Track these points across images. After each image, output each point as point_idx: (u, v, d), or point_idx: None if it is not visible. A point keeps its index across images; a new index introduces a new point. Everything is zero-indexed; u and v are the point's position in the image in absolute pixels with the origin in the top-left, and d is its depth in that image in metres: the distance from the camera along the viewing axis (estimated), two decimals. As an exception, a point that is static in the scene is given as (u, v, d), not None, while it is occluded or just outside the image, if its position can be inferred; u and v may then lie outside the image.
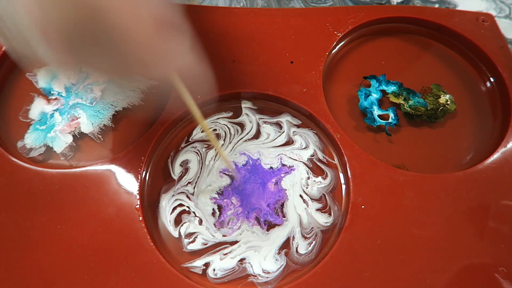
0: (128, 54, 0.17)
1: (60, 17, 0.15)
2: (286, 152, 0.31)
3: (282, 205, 0.28)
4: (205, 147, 0.31)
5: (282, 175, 0.30)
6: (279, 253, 0.27)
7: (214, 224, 0.27)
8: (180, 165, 0.30)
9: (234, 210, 0.28)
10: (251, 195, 0.29)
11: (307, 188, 0.29)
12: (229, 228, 0.27)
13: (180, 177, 0.30)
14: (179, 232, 0.27)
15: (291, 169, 0.30)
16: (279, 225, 0.28)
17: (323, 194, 0.29)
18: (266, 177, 0.29)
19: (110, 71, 0.20)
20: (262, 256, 0.26)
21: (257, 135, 0.31)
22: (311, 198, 0.29)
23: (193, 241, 0.27)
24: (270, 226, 0.28)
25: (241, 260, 0.26)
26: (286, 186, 0.29)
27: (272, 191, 0.29)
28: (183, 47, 0.19)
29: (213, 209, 0.28)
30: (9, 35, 0.18)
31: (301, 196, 0.29)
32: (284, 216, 0.28)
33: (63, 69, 0.19)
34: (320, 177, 0.30)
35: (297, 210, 0.28)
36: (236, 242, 0.27)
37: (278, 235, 0.27)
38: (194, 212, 0.28)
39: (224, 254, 0.26)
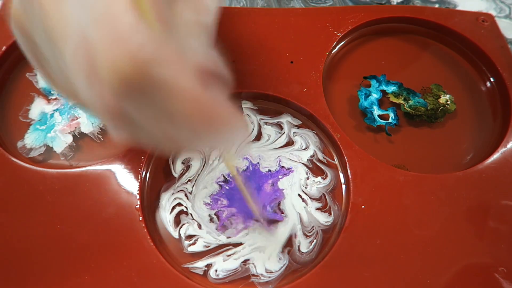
0: (176, 112, 0.16)
1: (108, 66, 0.14)
2: (286, 153, 0.31)
3: (279, 203, 0.28)
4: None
5: (280, 176, 0.30)
6: (282, 251, 0.27)
7: (217, 229, 0.27)
8: (182, 162, 0.30)
9: (228, 211, 0.28)
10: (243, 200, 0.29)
11: (306, 188, 0.29)
12: (234, 228, 0.27)
13: (181, 175, 0.29)
14: (179, 233, 0.27)
15: (289, 171, 0.30)
16: (280, 221, 0.28)
17: (323, 194, 0.29)
18: (262, 180, 0.29)
19: (162, 135, 0.18)
20: (267, 256, 0.26)
21: (258, 137, 0.31)
22: (310, 198, 0.29)
23: (193, 243, 0.27)
24: (270, 221, 0.28)
25: (245, 261, 0.26)
26: (284, 186, 0.29)
27: (268, 192, 0.29)
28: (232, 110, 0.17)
29: (209, 215, 0.28)
30: (51, 73, 0.17)
31: (299, 195, 0.29)
32: (282, 213, 0.28)
33: (110, 124, 0.18)
34: (319, 177, 0.30)
35: (296, 208, 0.28)
36: (240, 244, 0.27)
37: (281, 232, 0.27)
38: (191, 214, 0.28)
39: (228, 256, 0.26)
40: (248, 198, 0.26)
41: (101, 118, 0.17)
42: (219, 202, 0.28)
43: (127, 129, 0.17)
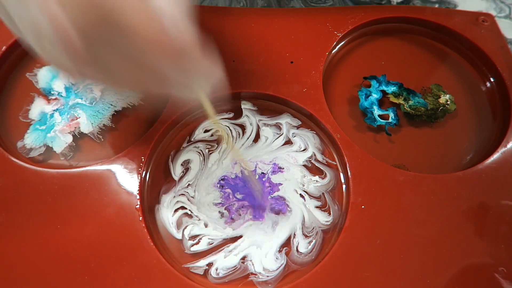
0: (143, 59, 0.17)
1: (77, 18, 0.15)
2: (282, 154, 0.31)
3: (284, 198, 0.29)
4: (208, 148, 0.31)
5: (273, 175, 0.30)
6: (280, 251, 0.27)
7: (225, 222, 0.28)
8: (181, 164, 0.30)
9: (239, 204, 0.28)
10: (252, 193, 0.29)
11: (303, 186, 0.29)
12: (241, 219, 0.28)
13: (181, 178, 0.29)
14: (183, 234, 0.27)
15: (280, 170, 0.30)
16: (284, 213, 0.28)
17: (323, 193, 0.29)
18: (260, 180, 0.30)
19: (128, 81, 0.19)
20: (264, 253, 0.26)
21: (256, 139, 0.31)
22: (308, 195, 0.29)
23: (197, 243, 0.27)
24: (275, 211, 0.28)
25: (244, 257, 0.26)
26: (279, 181, 0.29)
27: (269, 190, 0.29)
28: (208, 58, 0.18)
29: (219, 211, 0.28)
30: (25, 33, 0.18)
31: (296, 191, 0.29)
32: (288, 206, 0.28)
33: (78, 76, 0.19)
34: (317, 176, 0.30)
35: (298, 204, 0.28)
36: (240, 236, 0.27)
37: (281, 230, 0.27)
38: (197, 216, 0.28)
39: (229, 252, 0.26)
40: (256, 188, 0.28)
41: (69, 65, 0.17)
42: (231, 197, 0.29)
43: (96, 74, 0.18)
